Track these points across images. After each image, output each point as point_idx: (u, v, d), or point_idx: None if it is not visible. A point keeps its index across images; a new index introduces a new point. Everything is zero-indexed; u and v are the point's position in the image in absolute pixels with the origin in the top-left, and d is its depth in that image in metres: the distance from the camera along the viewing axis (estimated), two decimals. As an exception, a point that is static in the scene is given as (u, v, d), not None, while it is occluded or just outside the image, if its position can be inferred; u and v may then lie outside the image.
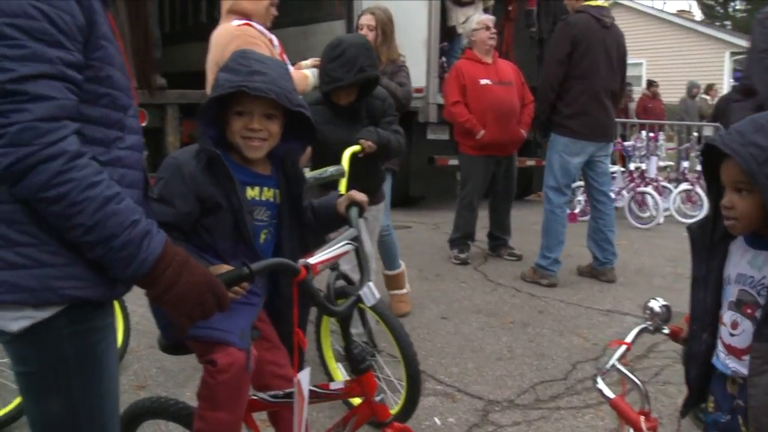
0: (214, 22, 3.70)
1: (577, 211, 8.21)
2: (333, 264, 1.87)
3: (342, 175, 3.12)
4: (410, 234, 7.32)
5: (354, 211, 2.00)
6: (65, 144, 1.21)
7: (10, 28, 1.19)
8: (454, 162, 7.80)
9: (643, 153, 8.83)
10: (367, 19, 4.63)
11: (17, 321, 1.31)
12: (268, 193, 2.01)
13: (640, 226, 8.29)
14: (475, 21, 6.13)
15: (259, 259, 1.77)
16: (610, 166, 8.95)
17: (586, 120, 5.27)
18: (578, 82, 5.26)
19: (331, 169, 3.08)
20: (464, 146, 6.04)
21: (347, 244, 1.88)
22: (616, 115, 5.51)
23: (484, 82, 5.85)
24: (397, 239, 4.60)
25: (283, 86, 1.86)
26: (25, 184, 1.21)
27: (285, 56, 3.52)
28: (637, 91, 15.79)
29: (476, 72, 5.91)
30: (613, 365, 1.51)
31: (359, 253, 1.90)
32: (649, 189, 8.49)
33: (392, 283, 4.61)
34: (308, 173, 2.85)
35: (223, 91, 1.84)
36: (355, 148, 3.26)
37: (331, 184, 3.16)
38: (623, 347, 1.56)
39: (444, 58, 8.54)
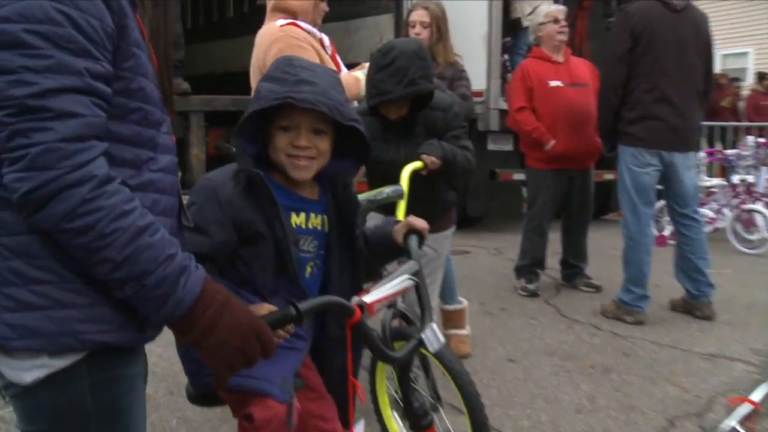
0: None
1: (666, 233, 8.00)
2: (390, 302, 1.87)
3: (400, 196, 3.09)
4: (469, 260, 7.26)
5: (413, 240, 1.98)
6: (93, 167, 1.21)
7: (32, 36, 1.19)
8: (519, 177, 7.71)
9: (749, 163, 8.41)
10: (419, 15, 4.59)
11: (31, 371, 1.29)
12: (316, 220, 2.00)
13: (747, 250, 8.01)
14: (543, 13, 6.03)
15: (305, 296, 1.79)
16: (708, 179, 8.60)
17: (653, 125, 5.04)
18: (642, 80, 5.04)
19: (387, 190, 3.04)
20: (531, 159, 5.94)
21: (407, 279, 1.87)
22: (715, 118, 5.22)
23: (554, 83, 5.74)
24: (455, 267, 4.53)
25: (334, 97, 1.86)
26: (47, 213, 1.20)
27: (338, 57, 3.52)
28: (746, 87, 15.00)
29: (545, 72, 5.81)
30: (734, 428, 1.43)
31: (420, 289, 1.89)
32: (758, 206, 8.12)
33: (451, 320, 4.51)
34: (361, 195, 2.82)
35: (265, 103, 1.83)
36: (416, 164, 3.21)
37: (388, 206, 3.11)
38: (747, 406, 1.48)
39: (507, 56, 8.46)
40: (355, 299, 1.76)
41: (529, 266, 6.01)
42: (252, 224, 1.87)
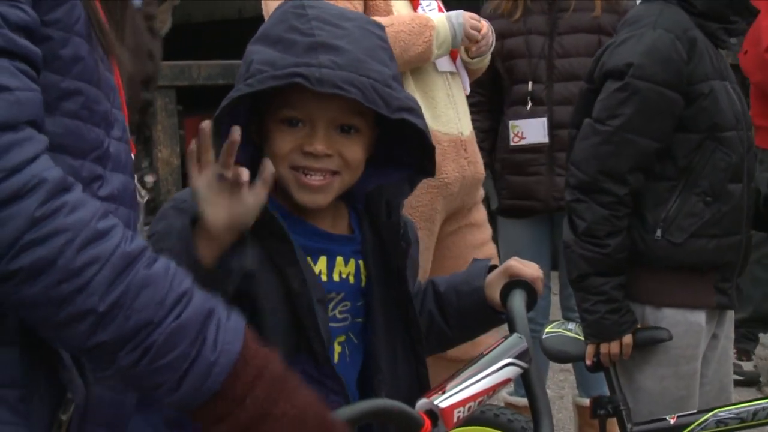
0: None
1: None
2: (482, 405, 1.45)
3: None
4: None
5: (518, 299, 1.55)
6: (38, 168, 1.01)
7: None
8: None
9: None
10: None
11: None
12: (346, 269, 1.58)
13: None
14: None
15: (342, 390, 1.49)
16: None
17: None
18: None
19: None
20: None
21: (509, 365, 1.41)
22: None
23: None
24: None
25: (373, 73, 1.45)
26: None
27: None
28: None
29: None
30: None
31: (531, 381, 1.46)
32: None
33: (588, 419, 3.29)
34: None
35: (258, 84, 1.43)
36: None
37: None
38: None
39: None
40: (422, 403, 1.34)
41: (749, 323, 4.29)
42: (249, 273, 1.46)
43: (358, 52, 1.48)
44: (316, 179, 1.50)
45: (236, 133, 1.31)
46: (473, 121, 3.15)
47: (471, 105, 3.31)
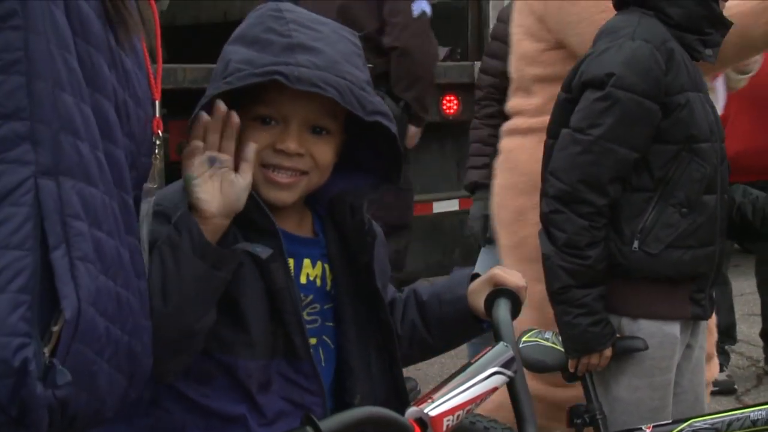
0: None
1: None
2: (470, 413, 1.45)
3: None
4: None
5: (503, 308, 1.54)
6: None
7: None
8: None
9: None
10: None
11: None
12: (314, 271, 1.58)
13: None
14: None
15: (321, 392, 1.51)
16: None
17: None
18: None
19: None
20: None
21: (496, 374, 1.40)
22: None
23: None
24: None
25: (348, 75, 1.45)
26: None
27: None
28: None
29: None
30: None
31: (517, 390, 1.45)
32: None
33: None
34: None
35: (237, 81, 1.42)
36: None
37: None
38: None
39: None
40: (411, 410, 1.31)
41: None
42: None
43: (334, 54, 1.48)
44: (284, 177, 1.50)
45: (222, 105, 1.35)
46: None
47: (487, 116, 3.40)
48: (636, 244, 2.25)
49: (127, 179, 1.18)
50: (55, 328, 1.03)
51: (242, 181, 1.36)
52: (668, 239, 2.23)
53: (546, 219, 2.31)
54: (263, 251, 1.40)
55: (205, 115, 1.35)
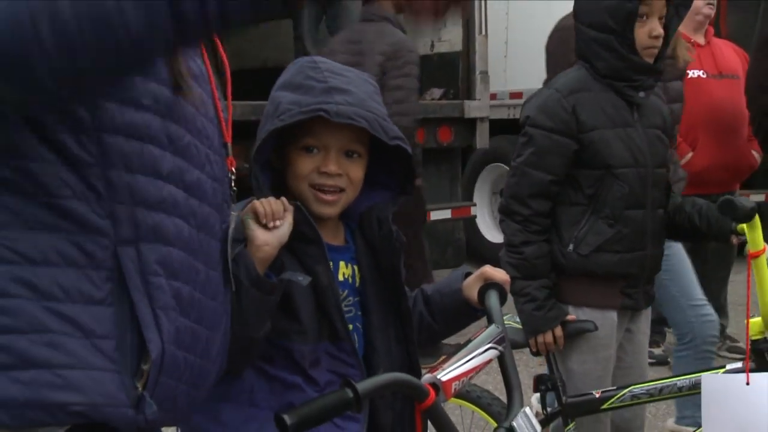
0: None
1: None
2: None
3: None
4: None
5: (494, 297, 1.81)
6: None
7: None
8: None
9: None
10: None
11: None
12: (347, 271, 1.83)
13: None
14: None
15: (359, 366, 1.72)
16: None
17: None
18: None
19: None
20: None
21: (490, 348, 1.67)
22: None
23: (694, 74, 4.43)
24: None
25: (374, 110, 1.71)
26: None
27: None
28: None
29: None
30: None
31: (506, 362, 1.70)
32: None
33: None
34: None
35: (289, 118, 1.65)
36: None
37: None
38: None
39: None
40: (427, 377, 1.55)
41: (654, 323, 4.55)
42: (281, 271, 1.66)
43: (361, 94, 1.71)
44: (329, 195, 1.73)
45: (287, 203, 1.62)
46: None
47: None
48: (571, 246, 2.61)
49: (216, 225, 1.37)
50: (145, 367, 1.19)
51: (287, 225, 1.59)
52: (596, 244, 2.58)
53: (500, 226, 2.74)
54: (304, 279, 1.63)
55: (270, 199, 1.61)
